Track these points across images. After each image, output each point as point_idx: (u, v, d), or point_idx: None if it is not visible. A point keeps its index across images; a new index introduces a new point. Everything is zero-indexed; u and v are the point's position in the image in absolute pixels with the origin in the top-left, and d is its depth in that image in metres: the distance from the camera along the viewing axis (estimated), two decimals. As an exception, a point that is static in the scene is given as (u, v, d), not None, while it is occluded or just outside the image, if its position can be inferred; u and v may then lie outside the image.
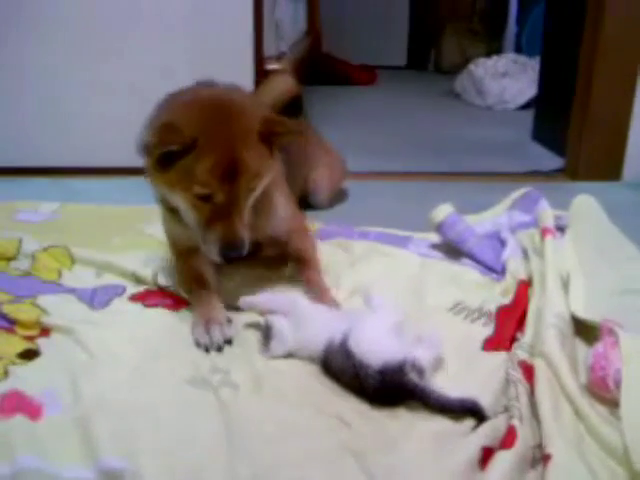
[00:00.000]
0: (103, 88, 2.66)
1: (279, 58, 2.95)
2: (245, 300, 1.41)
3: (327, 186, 2.26)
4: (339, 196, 2.39)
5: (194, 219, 1.40)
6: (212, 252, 1.39)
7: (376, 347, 1.19)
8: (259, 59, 2.66)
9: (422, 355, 1.20)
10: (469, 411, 1.12)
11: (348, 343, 1.21)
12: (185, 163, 1.34)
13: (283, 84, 2.06)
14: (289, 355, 1.32)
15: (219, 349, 1.35)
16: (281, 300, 1.39)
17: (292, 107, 1.94)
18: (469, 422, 1.11)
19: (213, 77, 1.92)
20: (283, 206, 1.64)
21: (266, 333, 1.35)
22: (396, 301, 1.54)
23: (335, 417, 1.14)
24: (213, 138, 1.34)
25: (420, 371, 1.17)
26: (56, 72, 2.63)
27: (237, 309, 1.46)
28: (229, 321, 1.43)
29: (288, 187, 1.71)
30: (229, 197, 1.36)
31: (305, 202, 2.18)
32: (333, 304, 1.49)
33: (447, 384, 1.23)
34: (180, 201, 1.40)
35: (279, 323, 1.33)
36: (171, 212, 1.51)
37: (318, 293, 1.53)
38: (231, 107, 1.41)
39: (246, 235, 1.39)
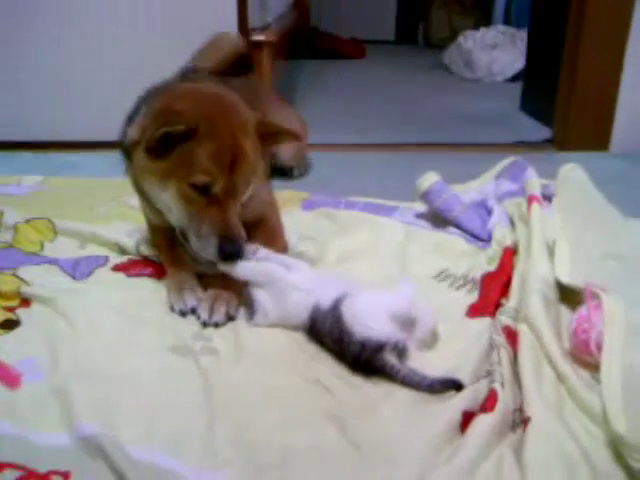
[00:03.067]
0: (87, 62, 2.63)
1: (264, 29, 2.91)
2: (225, 270, 1.36)
3: (291, 145, 2.18)
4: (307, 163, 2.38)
5: (186, 214, 1.33)
6: (208, 247, 1.32)
7: (365, 321, 1.18)
8: (244, 30, 2.62)
9: (409, 337, 1.19)
10: (441, 388, 1.10)
11: (340, 308, 1.20)
12: (185, 149, 1.28)
13: (228, 43, 2.00)
14: (273, 324, 1.31)
15: (193, 311, 1.34)
16: (258, 269, 1.34)
17: (241, 66, 1.89)
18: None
19: (196, 47, 1.91)
20: (262, 188, 1.59)
21: (249, 306, 1.33)
22: (381, 270, 1.54)
23: (316, 383, 1.14)
24: (215, 125, 1.29)
25: (401, 353, 1.16)
26: (39, 46, 2.60)
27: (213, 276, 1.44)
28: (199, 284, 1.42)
29: None
30: (227, 189, 1.31)
31: (278, 170, 2.19)
32: (283, 249, 1.48)
33: (432, 351, 1.23)
34: (171, 193, 1.33)
35: (261, 297, 1.31)
36: (144, 199, 1.48)
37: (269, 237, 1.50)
38: (230, 100, 1.38)
39: (243, 232, 1.35)
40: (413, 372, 1.13)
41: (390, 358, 1.15)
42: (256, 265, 1.34)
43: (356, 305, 1.21)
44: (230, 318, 1.33)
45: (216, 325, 1.31)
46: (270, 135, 1.41)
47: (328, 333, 1.21)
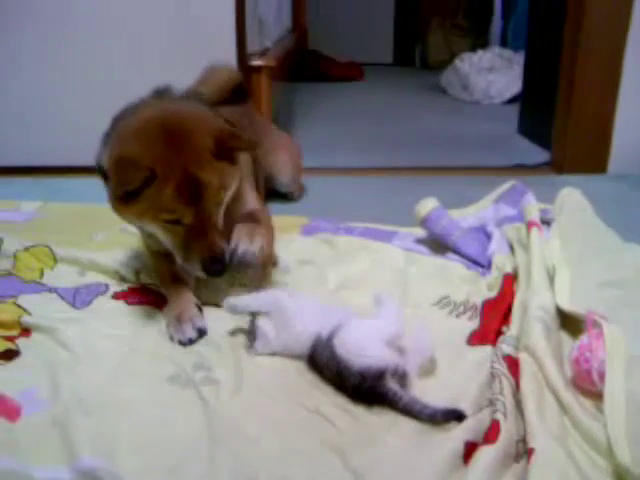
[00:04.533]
0: (85, 87, 2.64)
1: (263, 54, 2.93)
2: (228, 303, 1.38)
3: (288, 167, 2.26)
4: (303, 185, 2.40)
5: (168, 241, 1.41)
6: (194, 269, 1.40)
7: (361, 350, 1.18)
8: (242, 55, 2.64)
9: (407, 362, 1.19)
10: (443, 418, 1.09)
11: (333, 341, 1.20)
12: (148, 194, 1.33)
13: (223, 73, 2.03)
14: (273, 353, 1.31)
15: (191, 342, 1.36)
16: (264, 300, 1.36)
17: (236, 94, 1.93)
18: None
19: (193, 71, 1.92)
20: (251, 198, 1.66)
21: (251, 333, 1.33)
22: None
23: (317, 413, 1.13)
24: (169, 164, 1.33)
25: (402, 377, 1.16)
26: (38, 72, 2.61)
27: (216, 305, 1.47)
28: (200, 310, 1.45)
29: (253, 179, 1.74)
30: (198, 217, 1.37)
31: (275, 193, 2.23)
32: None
33: (432, 380, 1.22)
34: (153, 228, 1.41)
35: (264, 325, 1.31)
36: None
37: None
38: (182, 128, 1.40)
39: (225, 246, 1.41)
40: (414, 400, 1.13)
41: (392, 385, 1.14)
42: (262, 296, 1.36)
43: (348, 336, 1.21)
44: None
45: None
46: (227, 150, 1.43)
47: (325, 366, 1.21)
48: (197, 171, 1.35)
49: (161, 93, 1.62)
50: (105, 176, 1.45)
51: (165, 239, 1.41)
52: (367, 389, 1.14)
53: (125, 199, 1.35)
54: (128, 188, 1.32)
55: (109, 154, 1.41)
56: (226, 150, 1.42)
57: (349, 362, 1.16)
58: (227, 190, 1.43)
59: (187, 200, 1.34)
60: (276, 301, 1.34)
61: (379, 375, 1.14)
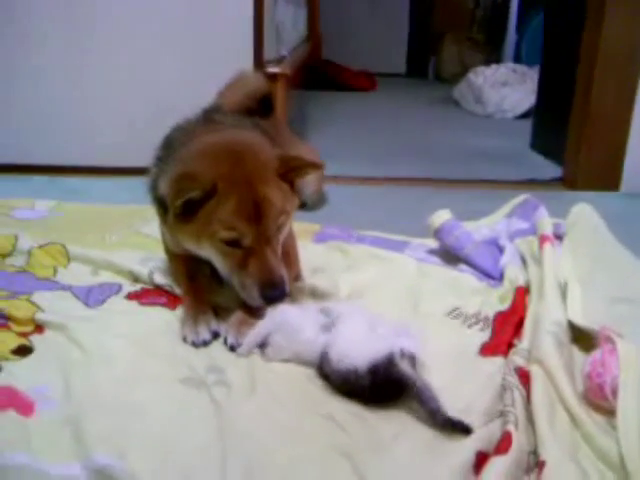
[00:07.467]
0: (102, 88, 2.66)
1: (279, 62, 2.95)
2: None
3: (313, 178, 2.24)
4: (324, 195, 2.41)
5: (226, 266, 1.37)
6: (252, 296, 1.35)
7: (358, 351, 1.18)
8: (259, 62, 2.66)
9: (408, 343, 1.19)
10: (452, 428, 1.09)
11: (330, 355, 1.21)
12: (208, 210, 1.31)
13: (253, 82, 2.00)
14: (286, 360, 1.31)
15: (205, 344, 1.35)
16: (271, 320, 1.33)
17: (263, 105, 1.90)
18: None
19: (213, 80, 1.93)
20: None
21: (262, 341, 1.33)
22: (392, 306, 1.54)
23: (328, 418, 1.13)
24: (232, 180, 1.31)
25: (411, 358, 1.16)
26: (56, 71, 2.64)
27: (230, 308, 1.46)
28: (215, 313, 1.43)
29: None
30: (258, 238, 1.33)
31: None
32: (296, 276, 1.53)
33: (443, 390, 1.22)
34: (208, 250, 1.37)
35: (275, 333, 1.31)
36: (166, 226, 1.49)
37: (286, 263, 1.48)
38: (245, 147, 1.39)
39: (285, 273, 1.36)
40: (428, 388, 1.13)
41: (405, 367, 1.14)
42: (267, 320, 1.34)
43: (339, 346, 1.21)
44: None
45: None
46: (293, 170, 1.42)
47: (331, 375, 1.21)
48: (261, 187, 1.33)
49: (210, 112, 1.60)
50: (160, 203, 1.43)
51: (221, 263, 1.37)
52: (383, 381, 1.14)
53: (183, 215, 1.33)
54: (188, 197, 1.29)
55: (169, 176, 1.36)
56: (291, 170, 1.40)
57: (353, 366, 1.16)
58: (288, 215, 1.41)
59: (248, 218, 1.31)
60: (282, 314, 1.33)
61: (389, 360, 1.14)
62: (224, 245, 1.34)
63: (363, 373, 1.15)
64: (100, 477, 0.98)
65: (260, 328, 1.33)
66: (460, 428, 1.08)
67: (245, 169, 1.34)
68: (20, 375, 1.21)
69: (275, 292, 1.34)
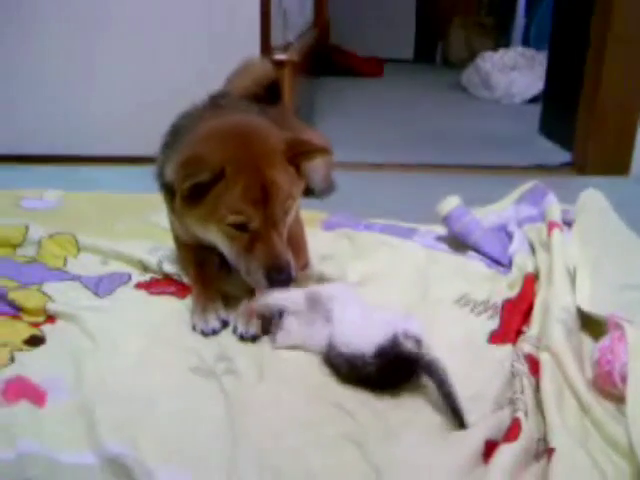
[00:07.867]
0: (108, 78, 2.66)
1: (286, 48, 2.94)
2: (261, 302, 1.35)
3: (322, 165, 2.23)
4: (334, 183, 2.39)
5: (232, 250, 1.37)
6: (258, 280, 1.35)
7: (362, 337, 1.18)
8: (266, 48, 2.65)
9: (411, 326, 1.19)
10: (455, 417, 1.09)
11: (335, 344, 1.21)
12: (215, 193, 1.31)
13: (260, 68, 2.00)
14: (295, 347, 1.31)
15: (214, 332, 1.36)
16: (292, 298, 1.34)
17: (270, 92, 1.90)
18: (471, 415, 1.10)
19: (220, 66, 1.93)
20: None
21: (274, 325, 1.34)
22: (401, 294, 1.54)
23: (338, 407, 1.14)
24: (240, 164, 1.31)
25: (416, 339, 1.17)
26: (62, 62, 2.64)
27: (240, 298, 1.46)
28: (224, 302, 1.43)
29: None
30: (265, 222, 1.33)
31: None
32: (304, 264, 1.53)
33: (453, 377, 1.22)
34: (215, 234, 1.37)
35: (286, 318, 1.32)
36: (173, 213, 1.50)
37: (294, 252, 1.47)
38: (252, 131, 1.39)
39: (291, 257, 1.37)
40: (437, 361, 1.14)
41: (413, 347, 1.15)
42: (294, 293, 1.34)
43: (342, 334, 1.21)
44: (266, 332, 1.35)
45: (253, 339, 1.33)
46: (300, 154, 1.42)
47: (338, 365, 1.21)
48: (268, 170, 1.33)
49: (217, 98, 1.61)
50: (168, 190, 1.44)
51: (228, 248, 1.37)
52: (392, 363, 1.14)
53: (191, 198, 1.33)
54: (196, 180, 1.29)
55: (176, 160, 1.36)
56: (298, 155, 1.40)
57: (359, 352, 1.16)
58: (294, 200, 1.41)
59: (256, 202, 1.31)
60: (297, 300, 1.33)
61: (394, 342, 1.15)
62: (231, 229, 1.34)
63: (370, 358, 1.15)
64: (113, 466, 0.99)
65: (287, 295, 1.33)
66: (459, 418, 1.09)
67: (252, 152, 1.34)
68: (32, 366, 1.22)
69: (281, 276, 1.33)
